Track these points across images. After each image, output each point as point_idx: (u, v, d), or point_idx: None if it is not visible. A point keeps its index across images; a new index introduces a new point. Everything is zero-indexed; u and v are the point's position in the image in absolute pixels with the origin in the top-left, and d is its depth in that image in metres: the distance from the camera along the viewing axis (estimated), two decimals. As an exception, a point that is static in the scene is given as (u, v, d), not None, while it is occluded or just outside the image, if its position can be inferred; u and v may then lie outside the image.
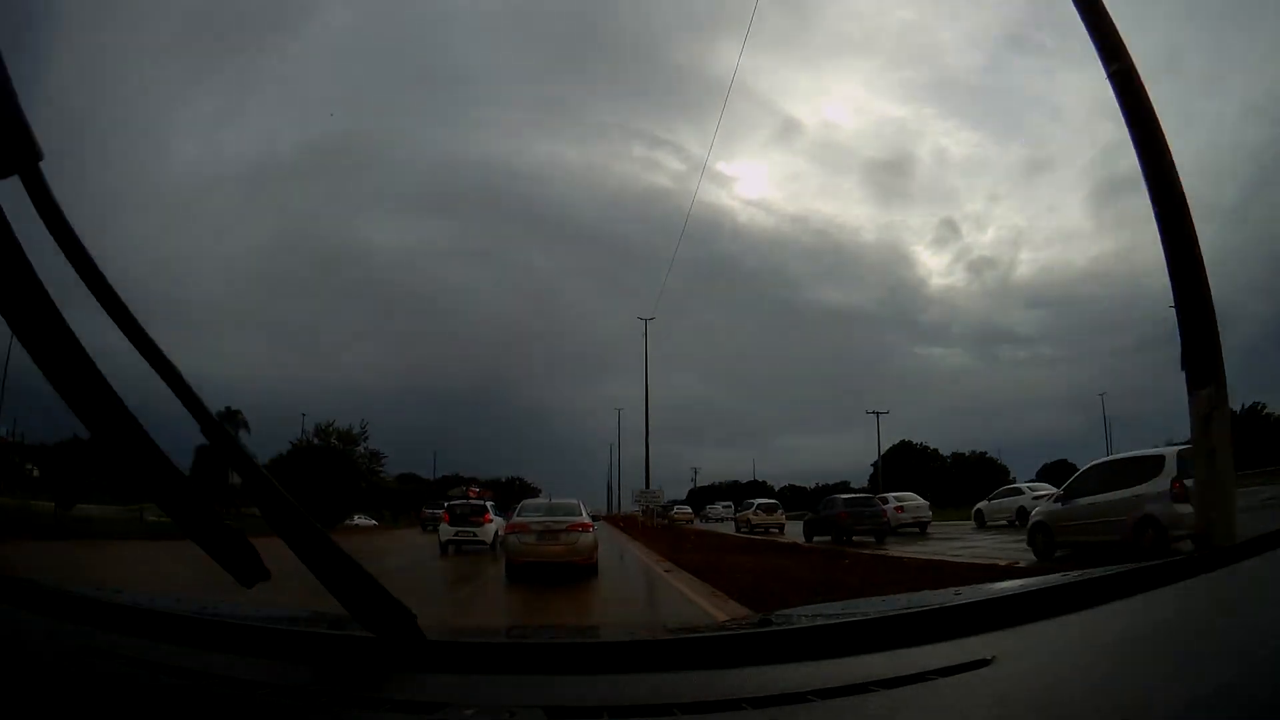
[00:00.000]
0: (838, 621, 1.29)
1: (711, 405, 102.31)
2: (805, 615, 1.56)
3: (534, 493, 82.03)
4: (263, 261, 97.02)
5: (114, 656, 1.09)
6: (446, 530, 19.06)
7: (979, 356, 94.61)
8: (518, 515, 12.89)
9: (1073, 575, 1.33)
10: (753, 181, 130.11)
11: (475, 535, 18.98)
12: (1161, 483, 10.32)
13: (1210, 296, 6.09)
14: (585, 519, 12.49)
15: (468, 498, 23.02)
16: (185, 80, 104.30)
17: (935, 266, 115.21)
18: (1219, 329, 6.04)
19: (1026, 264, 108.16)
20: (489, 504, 21.03)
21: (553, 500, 14.08)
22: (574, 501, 13.38)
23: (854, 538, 20.72)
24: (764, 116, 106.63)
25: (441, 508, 23.64)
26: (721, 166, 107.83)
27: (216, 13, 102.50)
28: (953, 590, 1.45)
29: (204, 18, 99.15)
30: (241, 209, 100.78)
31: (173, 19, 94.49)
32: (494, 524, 19.27)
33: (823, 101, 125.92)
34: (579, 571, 11.24)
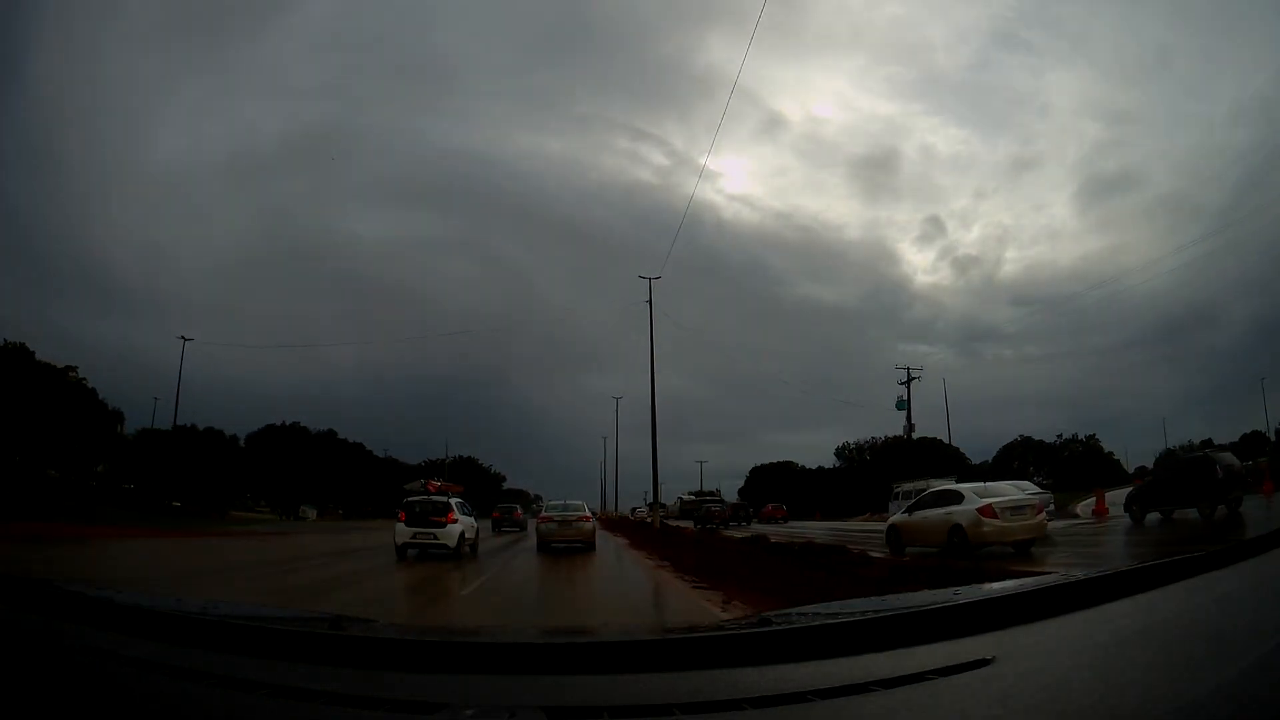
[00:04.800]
0: (838, 621, 1.29)
1: (695, 400, 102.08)
2: (805, 615, 1.56)
3: (497, 478, 79.09)
4: (244, 251, 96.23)
5: (114, 657, 1.09)
6: (403, 531, 16.00)
7: (963, 354, 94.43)
8: (545, 511, 20.15)
9: (1072, 575, 1.34)
10: (738, 176, 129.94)
11: (436, 538, 15.77)
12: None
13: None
14: (588, 514, 19.77)
15: (427, 493, 18.48)
16: (167, 70, 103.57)
17: (920, 264, 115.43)
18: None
19: (1012, 262, 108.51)
20: (454, 501, 17.39)
21: (566, 501, 20.30)
22: (580, 503, 20.40)
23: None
24: (750, 111, 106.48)
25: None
26: (706, 161, 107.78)
27: (198, 3, 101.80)
28: (952, 590, 1.45)
29: (186, 8, 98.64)
30: (223, 199, 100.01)
31: (155, 9, 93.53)
32: (459, 524, 16.26)
33: (809, 96, 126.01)
34: (584, 547, 18.58)
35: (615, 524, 42.21)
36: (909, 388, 45.92)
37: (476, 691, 0.98)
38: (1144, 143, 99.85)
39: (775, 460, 78.46)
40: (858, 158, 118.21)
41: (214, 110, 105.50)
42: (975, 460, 59.09)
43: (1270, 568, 1.11)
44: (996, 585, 1.23)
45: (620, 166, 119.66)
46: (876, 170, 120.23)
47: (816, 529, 30.14)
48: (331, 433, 67.95)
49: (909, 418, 46.51)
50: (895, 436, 63.99)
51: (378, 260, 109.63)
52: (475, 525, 18.57)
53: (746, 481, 75.47)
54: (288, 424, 64.85)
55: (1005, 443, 64.47)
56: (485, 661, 1.11)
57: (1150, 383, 78.05)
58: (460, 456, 77.02)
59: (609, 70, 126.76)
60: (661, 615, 8.69)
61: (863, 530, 27.01)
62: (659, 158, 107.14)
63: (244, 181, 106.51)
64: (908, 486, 29.98)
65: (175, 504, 47.91)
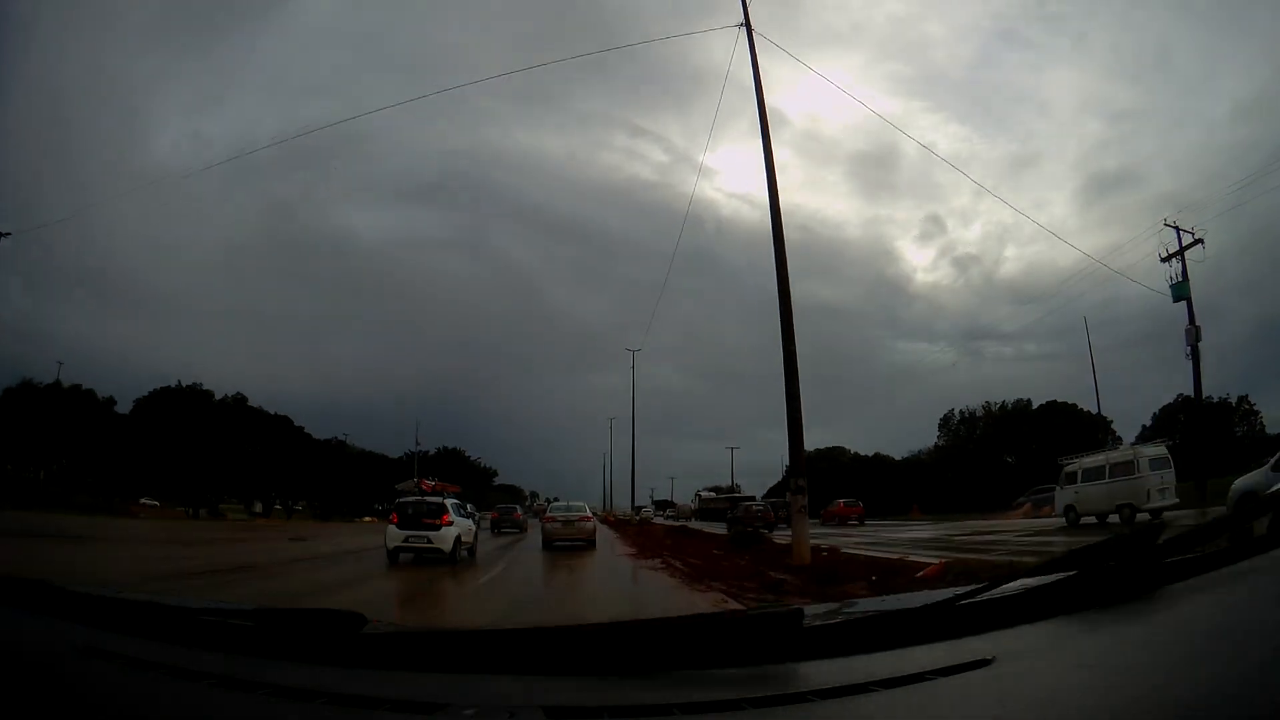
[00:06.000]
0: (838, 621, 1.29)
1: (691, 397, 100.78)
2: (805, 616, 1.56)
3: (487, 473, 74.98)
4: (243, 249, 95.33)
5: (114, 656, 1.09)
6: (395, 534, 15.03)
7: (963, 352, 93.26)
8: (549, 512, 22.26)
9: (1072, 575, 1.34)
10: (736, 174, 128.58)
11: (430, 541, 14.75)
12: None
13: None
14: (589, 514, 21.78)
15: (421, 492, 17.53)
16: (165, 66, 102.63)
17: (920, 262, 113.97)
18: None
19: (1012, 260, 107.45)
20: (450, 501, 16.28)
21: (569, 503, 22.47)
22: (582, 504, 22.49)
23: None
24: (748, 108, 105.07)
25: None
26: (705, 158, 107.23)
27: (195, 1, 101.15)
28: (952, 590, 1.45)
29: (183, 4, 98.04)
30: (222, 196, 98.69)
31: (153, 4, 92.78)
32: (455, 527, 15.30)
33: (809, 93, 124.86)
34: (585, 544, 20.02)
35: (645, 540, 23.02)
36: (1184, 260, 25.24)
37: (476, 691, 0.98)
38: (1145, 141, 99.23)
39: (823, 446, 62.07)
40: (857, 155, 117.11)
41: (210, 106, 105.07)
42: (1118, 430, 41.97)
43: (1270, 568, 1.11)
44: (996, 585, 1.24)
45: (618, 163, 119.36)
46: (876, 168, 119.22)
47: (922, 537, 20.30)
48: (241, 399, 50.10)
49: (1192, 316, 25.03)
50: (1020, 401, 50.78)
51: (373, 256, 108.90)
52: (473, 528, 17.58)
53: (787, 472, 63.57)
54: (184, 386, 48.50)
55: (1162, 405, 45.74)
56: (485, 661, 1.11)
57: (1148, 380, 77.18)
58: (445, 448, 67.61)
59: (608, 67, 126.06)
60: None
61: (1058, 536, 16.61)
62: (658, 154, 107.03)
63: (240, 177, 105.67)
64: (1090, 461, 20.15)
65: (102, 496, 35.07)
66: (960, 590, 1.20)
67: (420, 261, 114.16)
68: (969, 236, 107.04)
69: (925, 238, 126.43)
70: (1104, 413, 38.84)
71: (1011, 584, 1.21)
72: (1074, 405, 44.17)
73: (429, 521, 15.16)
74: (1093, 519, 19.31)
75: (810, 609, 1.27)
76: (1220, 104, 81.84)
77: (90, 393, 43.57)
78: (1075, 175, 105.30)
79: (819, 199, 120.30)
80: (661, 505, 67.70)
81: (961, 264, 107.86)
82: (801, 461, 12.48)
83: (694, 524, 35.93)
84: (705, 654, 1.08)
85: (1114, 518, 18.38)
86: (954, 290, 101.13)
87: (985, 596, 1.15)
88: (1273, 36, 66.26)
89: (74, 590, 1.44)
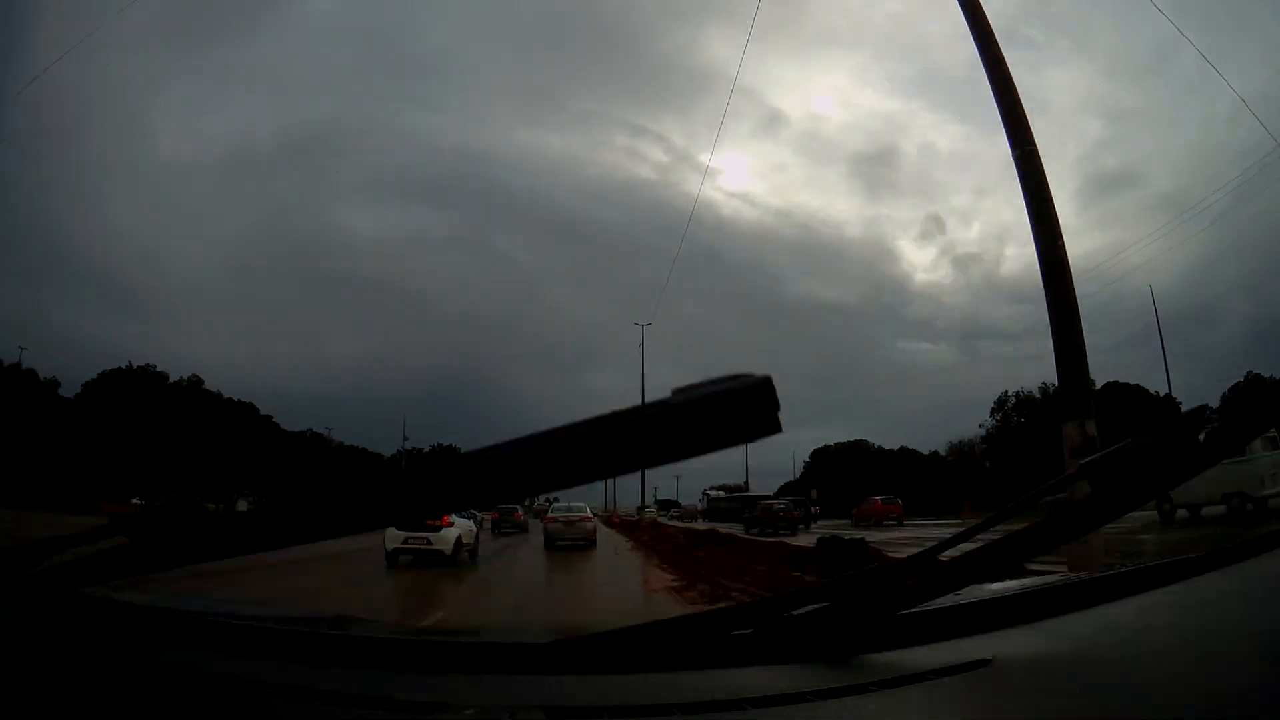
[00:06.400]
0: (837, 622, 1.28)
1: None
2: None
3: None
4: (241, 248, 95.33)
5: (114, 656, 1.09)
6: (394, 535, 14.70)
7: (963, 352, 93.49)
8: (551, 513, 23.28)
9: (1072, 576, 1.34)
10: (737, 173, 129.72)
11: (430, 543, 14.69)
12: None
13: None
14: (589, 514, 22.96)
15: None
16: (165, 66, 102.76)
17: (920, 261, 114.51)
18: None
19: (1012, 259, 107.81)
20: None
21: (570, 503, 22.97)
22: (582, 504, 23.38)
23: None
24: (749, 108, 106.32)
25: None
26: (706, 158, 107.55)
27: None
28: (952, 590, 1.45)
29: (184, 2, 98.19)
30: (221, 196, 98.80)
31: (152, 3, 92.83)
32: (456, 529, 15.32)
33: (809, 93, 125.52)
34: (586, 543, 21.32)
35: (669, 549, 18.30)
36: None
37: (476, 691, 0.98)
38: (1144, 140, 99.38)
39: (845, 440, 61.35)
40: (857, 155, 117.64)
41: (210, 106, 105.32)
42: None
43: (1269, 568, 1.11)
44: (996, 585, 1.24)
45: (619, 163, 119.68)
46: (876, 167, 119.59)
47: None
48: (196, 382, 43.88)
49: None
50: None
51: (372, 256, 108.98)
52: (475, 530, 17.57)
53: (806, 468, 60.18)
54: (136, 367, 42.78)
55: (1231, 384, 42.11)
56: (485, 661, 1.11)
57: (1154, 377, 76.74)
58: (440, 445, 65.11)
59: (609, 66, 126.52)
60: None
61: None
62: (658, 154, 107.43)
63: (240, 177, 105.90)
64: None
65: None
66: (960, 590, 1.20)
67: (418, 258, 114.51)
68: (969, 236, 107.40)
69: (925, 237, 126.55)
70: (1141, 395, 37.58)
71: (1011, 584, 1.21)
72: (1139, 386, 41.60)
73: (429, 523, 14.75)
74: (1185, 512, 16.47)
75: (812, 609, 1.26)
76: (1220, 104, 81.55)
77: (31, 373, 39.37)
78: (1075, 175, 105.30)
79: (819, 198, 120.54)
80: (665, 505, 66.02)
81: (962, 263, 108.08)
82: (1087, 393, 6.99)
83: (702, 525, 34.62)
84: (706, 654, 1.08)
85: (1213, 509, 15.61)
86: (954, 289, 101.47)
87: (985, 596, 1.15)
88: (1271, 37, 66.18)
89: (72, 590, 1.44)
